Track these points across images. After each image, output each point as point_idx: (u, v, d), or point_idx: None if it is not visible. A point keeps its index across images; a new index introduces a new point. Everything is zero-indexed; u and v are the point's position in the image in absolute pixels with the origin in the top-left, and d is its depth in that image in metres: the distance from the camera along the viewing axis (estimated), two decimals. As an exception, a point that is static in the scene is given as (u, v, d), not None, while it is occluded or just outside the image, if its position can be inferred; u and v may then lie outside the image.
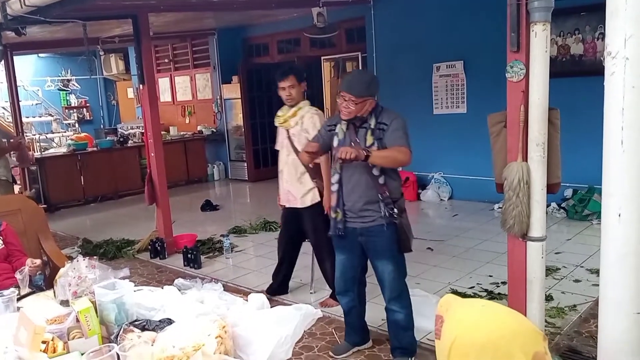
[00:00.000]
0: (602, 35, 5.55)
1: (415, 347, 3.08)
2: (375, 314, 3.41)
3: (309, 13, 6.39)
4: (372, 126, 2.78)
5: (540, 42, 2.45)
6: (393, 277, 2.90)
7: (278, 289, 4.08)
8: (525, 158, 2.59)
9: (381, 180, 2.78)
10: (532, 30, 2.46)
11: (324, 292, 4.11)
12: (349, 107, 2.76)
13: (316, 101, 9.01)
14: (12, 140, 5.81)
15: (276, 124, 3.87)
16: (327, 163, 3.61)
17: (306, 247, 4.32)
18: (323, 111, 8.60)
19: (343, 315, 3.27)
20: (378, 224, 2.81)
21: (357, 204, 2.84)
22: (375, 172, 2.77)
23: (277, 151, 3.91)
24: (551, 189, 2.68)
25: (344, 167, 2.85)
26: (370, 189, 2.80)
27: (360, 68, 7.85)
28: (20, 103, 8.00)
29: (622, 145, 1.80)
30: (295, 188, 3.77)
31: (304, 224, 3.84)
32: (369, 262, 3.11)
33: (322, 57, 8.42)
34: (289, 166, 3.78)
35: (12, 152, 5.69)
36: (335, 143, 2.90)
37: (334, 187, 2.91)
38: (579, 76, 5.65)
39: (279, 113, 3.85)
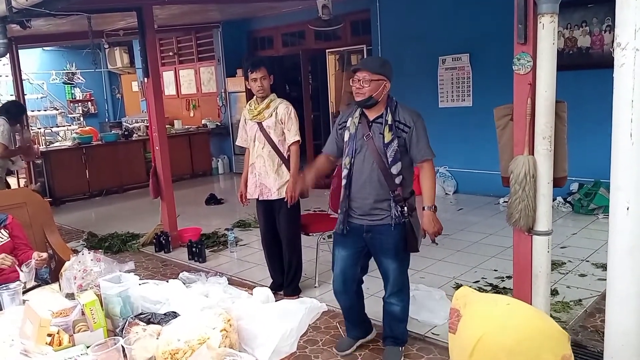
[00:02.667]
0: (610, 28, 5.51)
1: (406, 337, 3.12)
2: (379, 308, 3.38)
3: (314, 5, 6.34)
4: (390, 122, 2.70)
5: (548, 34, 2.42)
6: (397, 274, 2.89)
7: (281, 285, 4.07)
8: (531, 151, 2.57)
9: (397, 180, 2.72)
10: (540, 22, 2.43)
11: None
12: (363, 87, 2.67)
13: (321, 94, 9.00)
14: (24, 144, 5.78)
15: (247, 117, 3.90)
16: (296, 152, 3.77)
17: (310, 241, 4.32)
18: (327, 105, 8.65)
19: (342, 313, 3.20)
20: (386, 223, 2.76)
21: (366, 201, 2.77)
22: (394, 170, 2.70)
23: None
24: (557, 182, 2.66)
25: (355, 162, 2.77)
26: (382, 187, 2.74)
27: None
28: (25, 96, 8.03)
29: (631, 137, 1.78)
30: (272, 180, 3.79)
31: (279, 216, 3.86)
32: (370, 262, 3.07)
33: (327, 50, 8.38)
34: (264, 158, 3.81)
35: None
36: (346, 137, 2.82)
37: (343, 182, 2.82)
38: (586, 69, 5.61)
39: (251, 106, 3.87)
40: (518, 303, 1.10)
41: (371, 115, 2.76)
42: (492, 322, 1.05)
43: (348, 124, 2.81)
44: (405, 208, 2.75)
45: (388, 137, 2.69)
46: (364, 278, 3.15)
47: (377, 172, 2.72)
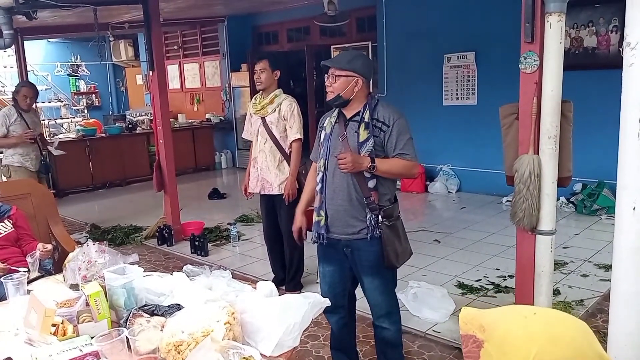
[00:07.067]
0: (616, 28, 5.49)
1: None
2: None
3: (320, 1, 6.34)
4: (366, 119, 2.42)
5: (555, 33, 2.42)
6: (380, 292, 2.57)
7: (283, 280, 4.08)
8: (536, 151, 2.57)
9: (371, 184, 2.43)
10: (547, 21, 2.43)
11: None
12: (331, 85, 2.45)
13: (324, 90, 8.99)
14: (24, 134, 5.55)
15: (252, 112, 3.92)
16: (297, 150, 3.75)
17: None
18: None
19: (330, 339, 2.82)
20: (363, 237, 2.46)
21: (340, 208, 2.47)
22: (367, 173, 2.41)
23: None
24: (562, 182, 2.66)
25: (329, 165, 2.49)
26: (356, 192, 2.44)
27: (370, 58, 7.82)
28: (30, 88, 8.03)
29: (639, 137, 1.78)
30: (273, 175, 3.81)
31: (279, 211, 3.87)
32: None
33: (332, 46, 8.36)
34: (266, 153, 3.83)
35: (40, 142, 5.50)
36: (322, 137, 2.56)
37: (318, 187, 2.55)
38: (592, 69, 5.59)
39: (255, 100, 3.89)
40: (541, 309, 1.05)
41: (348, 113, 2.49)
42: (537, 338, 0.96)
43: (325, 123, 2.58)
44: (380, 218, 2.43)
45: (363, 135, 2.41)
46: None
47: (352, 176, 2.43)
